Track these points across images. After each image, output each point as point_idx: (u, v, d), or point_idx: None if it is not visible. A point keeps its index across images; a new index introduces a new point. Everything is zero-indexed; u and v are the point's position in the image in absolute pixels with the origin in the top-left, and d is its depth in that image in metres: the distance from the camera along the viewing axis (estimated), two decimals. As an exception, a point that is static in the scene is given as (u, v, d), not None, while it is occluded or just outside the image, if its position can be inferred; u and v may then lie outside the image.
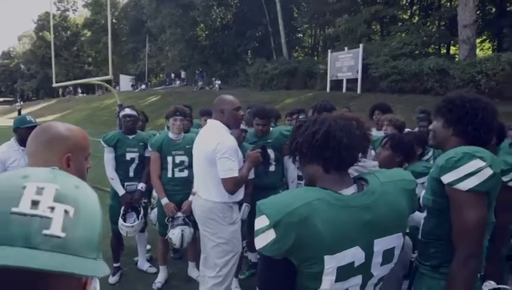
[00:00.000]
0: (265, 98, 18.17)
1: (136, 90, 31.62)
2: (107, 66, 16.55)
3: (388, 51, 15.03)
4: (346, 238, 1.11)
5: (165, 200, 3.42)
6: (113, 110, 19.57)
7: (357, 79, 15.53)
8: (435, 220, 1.55)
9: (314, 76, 18.38)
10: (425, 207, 1.63)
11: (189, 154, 3.60)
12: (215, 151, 2.53)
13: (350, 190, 1.20)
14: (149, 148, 3.63)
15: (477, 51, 15.94)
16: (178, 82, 29.98)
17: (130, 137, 3.79)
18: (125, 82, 35.12)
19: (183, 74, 29.85)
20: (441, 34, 17.37)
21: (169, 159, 3.55)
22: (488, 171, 1.39)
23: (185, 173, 3.55)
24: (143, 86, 31.97)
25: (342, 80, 16.27)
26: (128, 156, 3.73)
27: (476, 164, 1.40)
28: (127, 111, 3.77)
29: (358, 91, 15.32)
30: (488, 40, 20.57)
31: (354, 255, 1.13)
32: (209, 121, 2.80)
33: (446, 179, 1.44)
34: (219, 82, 23.94)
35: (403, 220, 1.25)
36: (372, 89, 14.98)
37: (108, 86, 15.85)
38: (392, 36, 17.29)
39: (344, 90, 16.04)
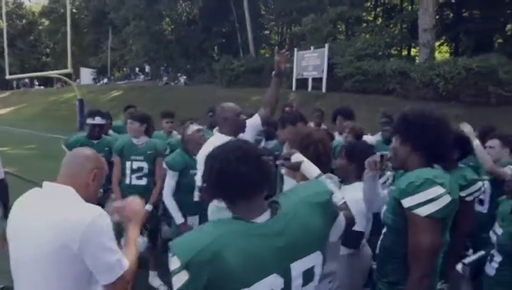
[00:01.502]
0: (232, 96, 17.99)
1: (98, 84, 30.50)
2: (66, 58, 15.75)
3: (353, 51, 15.31)
4: (260, 268, 1.11)
5: None
6: (73, 105, 18.76)
7: (322, 78, 15.71)
8: (393, 238, 1.60)
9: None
10: (384, 223, 1.65)
11: (150, 160, 3.48)
12: None
13: (263, 217, 1.19)
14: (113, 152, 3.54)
15: (436, 53, 16.56)
16: (142, 77, 29.18)
17: (95, 142, 3.62)
18: (87, 75, 33.76)
19: (147, 69, 29.09)
20: (402, 37, 17.92)
21: (128, 164, 3.42)
22: (447, 199, 1.45)
23: (143, 181, 3.42)
24: (105, 80, 30.88)
25: (308, 78, 16.41)
26: None
27: (436, 190, 1.45)
28: (97, 120, 3.60)
29: (324, 90, 15.52)
30: (445, 44, 21.44)
31: (272, 283, 1.13)
32: (216, 133, 2.88)
33: (406, 203, 1.49)
34: (184, 77, 23.52)
35: (319, 239, 1.26)
36: (337, 89, 15.22)
37: (67, 79, 15.05)
38: (356, 37, 17.64)
39: (310, 89, 16.18)
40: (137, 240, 1.63)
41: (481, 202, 3.04)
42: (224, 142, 1.29)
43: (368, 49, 15.05)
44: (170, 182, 3.26)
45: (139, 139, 3.47)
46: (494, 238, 1.75)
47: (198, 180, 2.77)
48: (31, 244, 1.41)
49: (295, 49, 17.00)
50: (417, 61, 15.39)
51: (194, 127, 3.30)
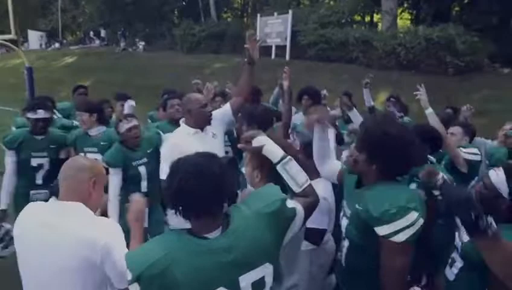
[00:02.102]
0: (193, 62, 17.45)
1: (49, 49, 28.48)
2: (8, 20, 14.36)
3: (317, 18, 15.08)
4: (208, 283, 1.16)
5: None
6: (22, 73, 17.45)
7: (286, 46, 15.47)
8: (359, 255, 1.60)
9: (243, 40, 17.81)
10: (347, 237, 1.64)
11: (103, 151, 3.24)
12: None
13: (215, 233, 1.24)
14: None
15: (398, 20, 16.64)
16: (98, 42, 27.54)
17: (39, 138, 3.24)
18: (35, 39, 31.36)
19: (103, 33, 27.44)
20: (365, 4, 17.79)
21: None
22: (420, 221, 1.46)
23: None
24: (57, 45, 28.86)
25: (271, 46, 16.10)
26: (34, 161, 3.21)
27: (411, 216, 1.44)
28: (40, 114, 3.19)
29: (287, 58, 15.33)
30: (406, 11, 21.59)
31: None
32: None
33: (381, 231, 1.47)
34: (143, 43, 22.41)
35: (268, 252, 1.30)
36: (301, 56, 15.08)
37: (11, 45, 13.77)
38: (320, 3, 17.37)
39: (273, 56, 15.94)
40: (141, 239, 1.68)
41: None
42: (187, 156, 1.32)
43: (331, 16, 14.87)
44: (114, 180, 3.03)
45: (93, 130, 3.20)
46: (458, 241, 1.73)
47: (162, 172, 2.62)
48: (54, 260, 1.52)
49: (258, 15, 16.54)
50: (379, 28, 15.45)
51: (124, 125, 3.09)
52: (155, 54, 20.52)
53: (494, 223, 1.35)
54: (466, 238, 1.63)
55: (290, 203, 1.41)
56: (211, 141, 2.70)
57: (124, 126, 3.08)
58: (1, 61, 26.14)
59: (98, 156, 3.17)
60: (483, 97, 10.40)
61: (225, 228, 1.25)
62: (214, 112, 2.80)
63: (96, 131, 3.29)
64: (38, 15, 33.94)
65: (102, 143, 3.22)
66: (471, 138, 3.39)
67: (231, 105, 2.80)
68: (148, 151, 3.18)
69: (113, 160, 3.04)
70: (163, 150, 2.72)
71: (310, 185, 1.57)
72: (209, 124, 2.73)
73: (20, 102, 14.59)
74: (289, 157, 1.57)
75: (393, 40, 12.21)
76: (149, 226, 3.00)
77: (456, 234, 1.73)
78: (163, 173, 2.58)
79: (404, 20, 22.10)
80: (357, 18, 19.05)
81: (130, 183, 3.09)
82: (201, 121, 2.69)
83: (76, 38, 32.83)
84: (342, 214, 1.86)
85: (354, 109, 3.51)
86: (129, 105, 4.17)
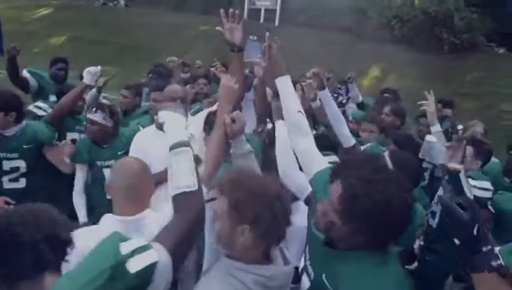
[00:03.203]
0: (179, 21, 16.46)
1: (23, -2, 26.53)
2: None
3: (309, -19, 14.21)
4: None
5: None
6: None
7: (275, 10, 14.66)
8: None
9: (231, 1, 16.92)
10: None
11: (27, 155, 2.70)
12: None
13: None
14: None
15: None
16: (76, -8, 25.71)
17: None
18: (8, -15, 29.15)
19: (81, -17, 25.58)
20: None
21: None
22: None
23: (21, 183, 2.70)
24: (31, -7, 26.86)
25: (260, 9, 15.26)
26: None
27: None
28: None
29: (276, 23, 14.59)
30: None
31: None
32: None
33: None
34: (125, -2, 21.01)
35: None
36: (291, 22, 14.33)
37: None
38: (314, -36, 16.34)
39: (262, 20, 15.14)
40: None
41: (433, 215, 2.69)
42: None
43: (325, -19, 14.01)
44: (79, 175, 2.74)
45: (9, 130, 2.63)
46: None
47: None
48: None
49: (248, -25, 15.51)
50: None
51: (88, 114, 2.63)
52: (137, 10, 19.30)
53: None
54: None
55: (136, 263, 0.92)
56: None
57: (95, 117, 2.62)
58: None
59: (21, 163, 2.68)
60: (476, 79, 10.06)
61: None
62: (200, 113, 2.45)
63: (13, 130, 2.67)
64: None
65: (25, 146, 2.64)
66: (484, 161, 2.68)
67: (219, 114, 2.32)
68: (120, 152, 2.69)
69: (77, 154, 2.72)
70: (132, 143, 2.49)
71: (192, 194, 1.16)
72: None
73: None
74: (186, 148, 1.25)
75: (388, 11, 11.61)
76: None
77: None
78: None
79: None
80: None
81: (92, 188, 2.70)
82: None
83: (53, -13, 30.65)
84: (301, 266, 1.49)
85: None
86: (91, 93, 3.44)
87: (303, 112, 1.73)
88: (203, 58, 11.92)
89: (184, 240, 1.08)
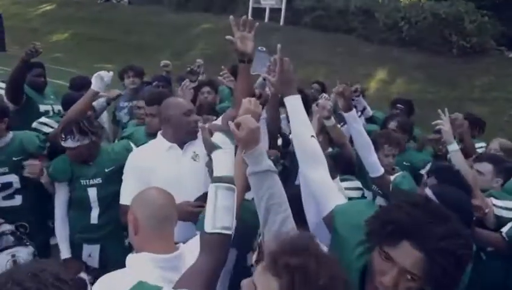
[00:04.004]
0: (180, 21, 16.27)
1: (26, -6, 26.37)
2: None
3: (315, -19, 13.95)
4: None
5: None
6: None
7: (280, 9, 14.40)
8: None
9: (235, 0, 16.71)
10: None
11: (19, 169, 2.42)
12: None
13: None
14: None
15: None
16: (79, -11, 25.54)
17: None
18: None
19: (85, -21, 25.40)
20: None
21: None
22: None
23: (17, 200, 2.43)
24: (34, -11, 26.69)
25: (265, 8, 14.99)
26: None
27: None
28: None
29: (281, 23, 14.35)
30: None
31: None
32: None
33: None
34: (128, -5, 20.82)
35: None
36: (296, 23, 14.10)
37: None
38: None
39: (266, 19, 14.87)
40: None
41: None
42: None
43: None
44: (59, 197, 2.39)
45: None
46: None
47: (123, 192, 2.03)
48: None
49: (253, -27, 15.29)
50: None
51: (68, 142, 2.23)
52: (140, 8, 19.09)
53: None
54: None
55: None
56: (189, 163, 2.01)
57: (68, 144, 2.23)
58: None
59: (13, 177, 2.39)
60: (486, 83, 9.77)
61: None
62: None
63: (3, 141, 2.40)
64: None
65: (14, 158, 2.38)
66: (506, 179, 2.44)
67: (223, 120, 2.01)
68: (107, 169, 2.36)
69: (56, 172, 2.35)
70: (126, 164, 2.10)
71: (226, 237, 1.17)
72: (194, 137, 2.05)
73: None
74: (232, 187, 1.20)
75: (396, 12, 11.33)
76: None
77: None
78: (123, 195, 2.01)
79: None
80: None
81: (75, 210, 2.38)
82: (183, 133, 2.03)
83: (57, -16, 30.48)
84: None
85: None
86: (99, 102, 3.04)
87: (315, 136, 1.49)
88: (205, 56, 11.76)
89: (208, 286, 1.10)
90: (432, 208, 0.99)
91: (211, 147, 1.26)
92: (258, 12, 15.40)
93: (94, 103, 3.26)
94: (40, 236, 2.57)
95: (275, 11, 14.76)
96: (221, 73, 3.27)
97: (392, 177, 2.36)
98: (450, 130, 2.41)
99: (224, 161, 1.25)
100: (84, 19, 18.49)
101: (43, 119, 2.92)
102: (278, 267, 0.83)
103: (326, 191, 1.37)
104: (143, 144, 2.26)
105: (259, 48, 1.71)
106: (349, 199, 2.02)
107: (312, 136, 1.45)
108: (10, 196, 2.43)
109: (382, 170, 2.24)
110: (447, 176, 1.90)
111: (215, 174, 1.22)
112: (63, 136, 2.19)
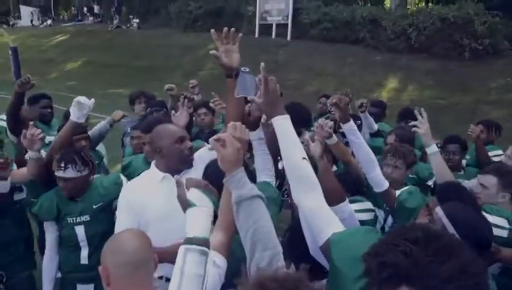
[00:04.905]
0: (188, 41, 16.48)
1: (41, 26, 27.31)
2: None
3: (320, -6, 14.01)
4: None
5: None
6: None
7: (287, 24, 14.46)
8: None
9: (242, 18, 16.88)
10: None
11: None
12: None
13: None
14: None
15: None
16: (91, 18, 26.33)
17: None
18: (28, 14, 30.11)
19: (96, 9, 26.20)
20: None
21: None
22: None
23: None
24: (49, 22, 27.66)
25: (272, 24, 15.09)
26: None
27: None
28: None
29: (288, 38, 14.38)
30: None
31: None
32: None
33: None
34: (137, 20, 21.27)
35: None
36: (303, 37, 14.12)
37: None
38: (324, -23, 16.18)
39: (273, 35, 14.96)
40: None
41: None
42: None
43: (336, -7, 13.81)
44: (47, 236, 2.27)
45: None
46: None
47: (117, 228, 1.87)
48: None
49: (258, -10, 15.45)
50: (387, 5, 14.37)
51: (58, 172, 2.10)
52: (149, 32, 19.47)
53: None
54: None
55: None
56: None
57: (68, 173, 2.11)
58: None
59: None
60: (502, 85, 9.51)
61: None
62: (198, 152, 1.97)
63: None
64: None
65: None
66: None
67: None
68: (95, 206, 2.22)
69: (42, 211, 2.23)
70: (119, 199, 1.97)
71: None
72: (189, 166, 1.91)
73: (5, 84, 13.81)
74: (203, 248, 1.08)
75: (403, 19, 11.21)
76: None
77: None
78: (117, 228, 1.86)
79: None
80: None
81: (65, 248, 2.26)
82: (177, 163, 1.89)
83: (70, 15, 31.55)
84: None
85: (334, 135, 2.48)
86: (102, 124, 3.09)
87: (307, 159, 1.36)
88: (214, 76, 11.84)
89: None
90: (435, 242, 0.85)
91: (185, 204, 1.15)
92: (265, 28, 15.52)
93: (97, 127, 3.25)
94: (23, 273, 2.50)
95: (281, 27, 14.82)
96: (212, 100, 3.12)
97: (397, 192, 2.18)
98: (427, 132, 2.21)
99: (198, 220, 1.12)
100: (96, 46, 18.93)
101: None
102: None
103: (321, 218, 1.26)
104: (142, 172, 2.11)
105: (242, 68, 1.58)
106: (360, 222, 1.90)
107: (304, 158, 1.33)
108: None
109: (386, 185, 2.09)
110: (449, 195, 1.75)
111: (187, 234, 1.10)
112: (63, 165, 2.07)
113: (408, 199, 2.12)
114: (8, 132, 2.95)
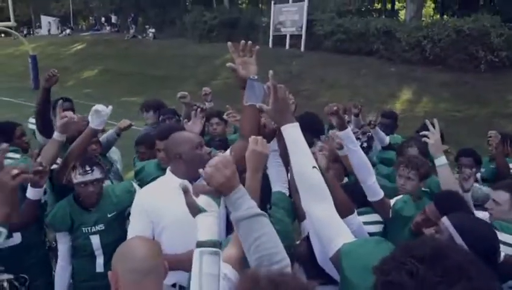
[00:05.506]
0: (203, 52, 16.67)
1: (61, 35, 28.02)
2: (22, 5, 13.70)
3: (334, 6, 14.04)
4: None
5: None
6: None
7: (301, 35, 14.54)
8: None
9: (256, 29, 17.03)
10: None
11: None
12: None
13: None
14: None
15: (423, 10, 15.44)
16: (108, 28, 26.91)
17: None
18: (46, 24, 30.95)
19: (113, 19, 26.78)
20: (388, -10, 16.66)
21: None
22: None
23: (16, 239, 2.30)
24: (68, 31, 28.36)
25: (286, 35, 15.19)
26: None
27: None
28: None
29: (302, 49, 14.44)
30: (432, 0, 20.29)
31: None
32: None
33: None
34: (153, 30, 21.64)
35: None
36: (317, 48, 14.14)
37: (15, 33, 13.22)
38: (339, -11, 16.24)
39: (287, 46, 15.04)
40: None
41: None
42: None
43: (350, 5, 13.83)
44: (60, 246, 2.30)
45: None
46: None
47: (130, 234, 1.90)
48: None
49: (272, 2, 15.59)
50: (402, 17, 14.31)
51: (78, 176, 2.13)
52: (165, 42, 19.77)
53: None
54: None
55: None
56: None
57: (78, 178, 2.12)
58: (10, 47, 25.78)
59: None
60: (519, 98, 9.37)
61: None
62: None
63: None
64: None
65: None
66: None
67: (233, 152, 1.87)
68: (110, 215, 2.27)
69: (54, 221, 2.25)
70: (132, 205, 1.99)
71: None
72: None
73: (24, 91, 14.14)
74: (215, 249, 1.12)
75: (418, 31, 11.15)
76: None
77: None
78: (130, 233, 1.89)
79: (427, 9, 20.72)
80: (377, 6, 17.87)
81: (78, 258, 2.28)
82: (196, 168, 1.87)
83: (88, 24, 32.29)
84: None
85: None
86: (109, 133, 3.12)
87: (318, 167, 1.36)
88: (228, 85, 11.93)
89: None
90: (444, 261, 0.80)
91: (195, 210, 1.17)
92: (279, 39, 15.61)
93: (104, 135, 3.26)
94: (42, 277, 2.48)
95: (295, 38, 14.91)
96: (226, 113, 3.14)
97: (392, 201, 2.15)
98: (437, 143, 2.17)
99: (208, 225, 1.15)
100: (112, 55, 19.31)
101: None
102: None
103: (332, 228, 1.26)
104: (155, 177, 2.16)
105: (250, 76, 1.60)
106: (369, 234, 1.88)
107: (314, 167, 1.33)
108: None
109: (382, 194, 2.07)
110: (447, 204, 1.72)
111: (198, 238, 1.14)
112: (88, 169, 2.09)
113: (404, 208, 2.11)
114: (37, 133, 2.99)
